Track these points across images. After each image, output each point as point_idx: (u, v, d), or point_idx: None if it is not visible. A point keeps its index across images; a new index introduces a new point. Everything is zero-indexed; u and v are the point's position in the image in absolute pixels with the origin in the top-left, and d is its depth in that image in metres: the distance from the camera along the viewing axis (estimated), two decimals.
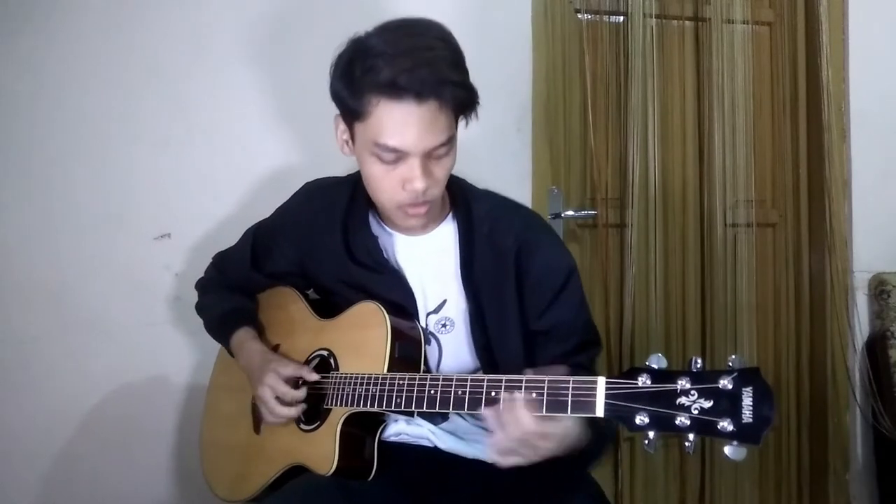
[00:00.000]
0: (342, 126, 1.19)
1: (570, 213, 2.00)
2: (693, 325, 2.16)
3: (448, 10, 1.87)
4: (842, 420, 2.18)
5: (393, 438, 1.30)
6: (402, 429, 1.30)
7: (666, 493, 2.15)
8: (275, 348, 1.37)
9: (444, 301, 1.27)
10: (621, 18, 2.10)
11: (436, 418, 1.28)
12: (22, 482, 1.70)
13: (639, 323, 2.09)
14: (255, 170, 1.80)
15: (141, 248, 1.75)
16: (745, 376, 0.87)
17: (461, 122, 1.17)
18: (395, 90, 1.07)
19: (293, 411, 1.24)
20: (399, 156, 1.12)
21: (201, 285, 1.52)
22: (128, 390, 1.75)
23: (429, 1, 1.84)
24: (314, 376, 1.25)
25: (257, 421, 1.36)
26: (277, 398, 1.24)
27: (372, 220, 1.30)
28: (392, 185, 1.15)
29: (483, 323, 1.24)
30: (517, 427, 0.99)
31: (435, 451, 1.30)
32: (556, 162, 2.03)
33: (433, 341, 1.27)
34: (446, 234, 1.29)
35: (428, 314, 1.28)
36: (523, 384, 1.01)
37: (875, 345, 2.15)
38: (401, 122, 1.09)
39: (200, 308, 1.49)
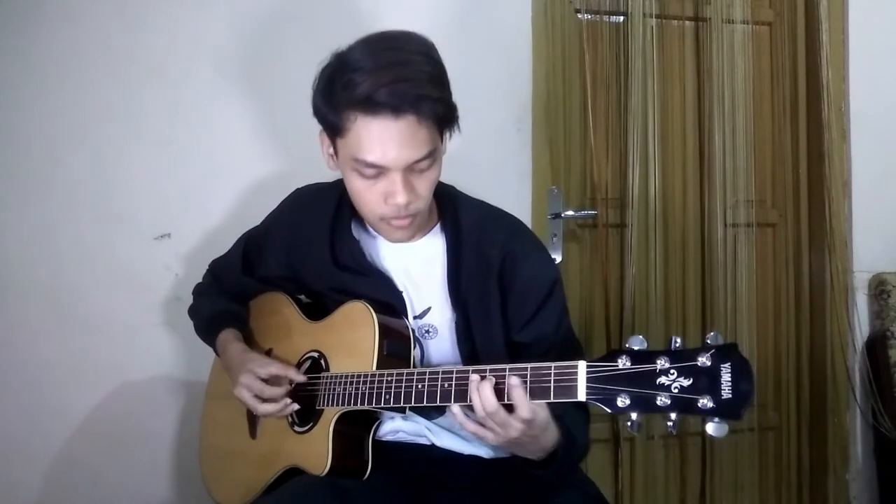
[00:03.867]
0: (326, 141, 1.19)
1: (570, 213, 2.00)
2: (693, 325, 2.16)
3: (448, 11, 1.90)
4: (842, 420, 2.18)
5: (389, 437, 1.30)
6: (399, 425, 1.30)
7: (666, 493, 2.15)
8: (267, 353, 1.37)
9: (429, 308, 1.28)
10: (621, 18, 2.10)
11: (430, 413, 1.27)
12: (22, 482, 1.71)
13: (639, 323, 2.08)
14: (255, 170, 1.80)
15: (141, 248, 1.76)
16: (723, 352, 0.88)
17: (446, 136, 1.17)
18: (371, 105, 1.06)
19: (276, 407, 1.22)
20: (379, 171, 1.12)
21: (196, 291, 1.54)
22: (128, 390, 1.75)
23: (429, 3, 1.87)
24: (301, 377, 1.25)
25: (253, 426, 1.36)
26: (257, 396, 1.23)
27: (355, 226, 1.30)
28: (374, 199, 1.15)
29: (470, 333, 1.24)
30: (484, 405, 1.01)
31: (431, 449, 1.30)
32: (556, 162, 2.03)
33: (417, 345, 1.26)
34: (434, 243, 1.29)
35: (413, 318, 1.28)
36: (507, 372, 1.02)
37: (875, 345, 2.14)
38: (378, 137, 1.08)
39: (192, 311, 1.51)
